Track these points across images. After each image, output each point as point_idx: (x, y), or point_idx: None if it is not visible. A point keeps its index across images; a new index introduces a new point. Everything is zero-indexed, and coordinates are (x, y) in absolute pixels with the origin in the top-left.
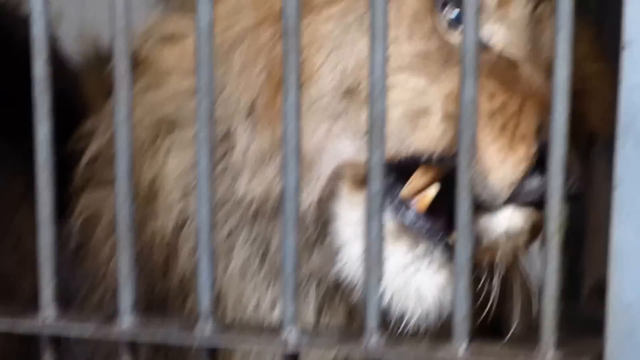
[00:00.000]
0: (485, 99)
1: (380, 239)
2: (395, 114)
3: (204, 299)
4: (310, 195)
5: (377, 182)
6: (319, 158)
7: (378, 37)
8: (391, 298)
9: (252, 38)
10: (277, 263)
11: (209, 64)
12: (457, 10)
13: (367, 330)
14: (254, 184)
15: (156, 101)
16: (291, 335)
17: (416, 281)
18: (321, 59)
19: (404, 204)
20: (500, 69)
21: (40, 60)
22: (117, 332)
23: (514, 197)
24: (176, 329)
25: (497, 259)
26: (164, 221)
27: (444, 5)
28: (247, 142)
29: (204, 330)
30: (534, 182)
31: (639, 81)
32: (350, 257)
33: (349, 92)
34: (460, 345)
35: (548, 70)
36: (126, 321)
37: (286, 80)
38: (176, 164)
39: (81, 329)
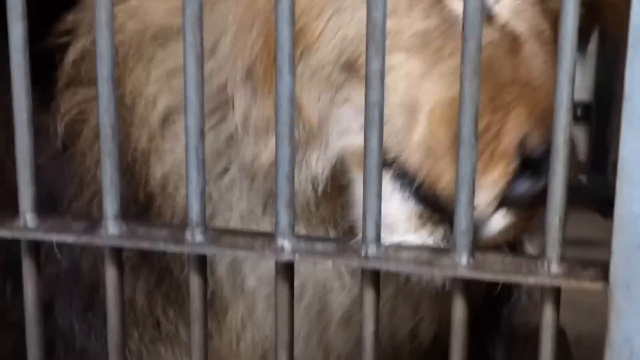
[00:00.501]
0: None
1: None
2: (391, 101)
3: (194, 206)
4: (321, 162)
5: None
6: (326, 126)
7: None
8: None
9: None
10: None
11: None
12: None
13: (365, 239)
14: (259, 152)
15: (140, 6)
16: (286, 243)
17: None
18: (321, 25)
19: (422, 188)
20: (499, 58)
21: None
22: (102, 238)
23: (502, 204)
24: (164, 235)
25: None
26: (140, 133)
27: None
28: (247, 107)
29: (194, 237)
30: (523, 186)
31: None
32: None
33: (349, 65)
34: (462, 256)
35: (553, 44)
36: (111, 227)
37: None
38: (157, 75)
39: (63, 234)
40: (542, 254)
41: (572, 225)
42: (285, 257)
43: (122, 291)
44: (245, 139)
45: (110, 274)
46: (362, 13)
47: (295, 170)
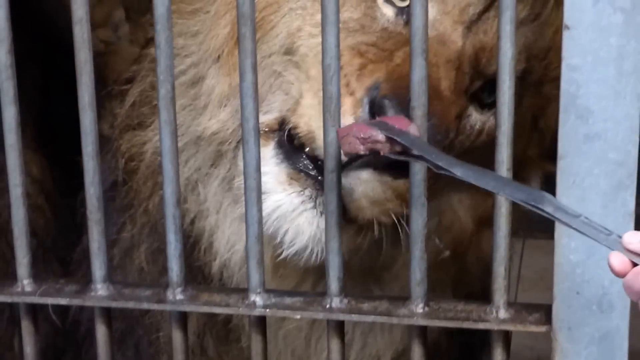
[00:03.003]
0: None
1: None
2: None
3: (174, 268)
4: None
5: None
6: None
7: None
8: (280, 229)
9: None
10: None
11: None
12: None
13: (330, 293)
14: (211, 122)
15: None
16: (258, 299)
17: (300, 220)
18: (275, 20)
19: (297, 150)
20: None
21: (2, 48)
22: (93, 300)
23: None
24: (147, 295)
25: (372, 219)
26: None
27: None
28: (213, 85)
29: (175, 296)
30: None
31: (578, 62)
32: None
33: (288, 53)
34: (418, 305)
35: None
36: (100, 289)
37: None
38: None
39: (57, 297)
40: (490, 301)
41: None
42: (258, 312)
43: (112, 346)
44: (205, 114)
45: (100, 331)
46: (307, 12)
47: None
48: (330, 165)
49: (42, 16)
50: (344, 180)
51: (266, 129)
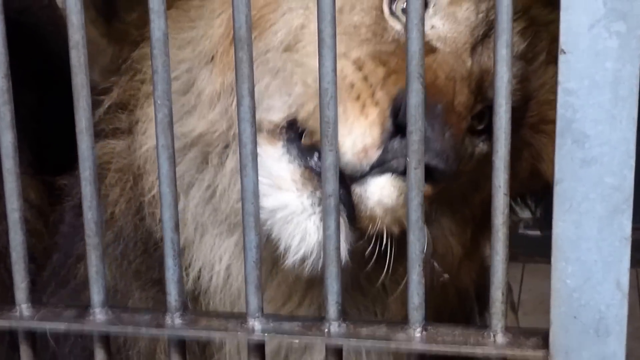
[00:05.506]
0: (351, 70)
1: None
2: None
3: (172, 292)
4: None
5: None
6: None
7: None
8: (283, 232)
9: None
10: (223, 208)
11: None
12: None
13: (328, 318)
14: (200, 122)
15: None
16: (256, 324)
17: (307, 224)
18: (274, 18)
19: (310, 150)
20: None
21: None
22: (91, 325)
23: (379, 166)
24: (146, 320)
25: (382, 228)
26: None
27: None
28: (204, 85)
29: (174, 322)
30: (395, 145)
31: (574, 86)
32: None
33: (288, 49)
34: (416, 330)
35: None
36: (98, 314)
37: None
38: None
39: (56, 322)
40: (488, 326)
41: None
42: (256, 337)
43: None
44: (194, 114)
45: (99, 356)
46: (309, 12)
47: None
48: (329, 189)
49: (38, 41)
50: (358, 189)
51: (271, 127)
